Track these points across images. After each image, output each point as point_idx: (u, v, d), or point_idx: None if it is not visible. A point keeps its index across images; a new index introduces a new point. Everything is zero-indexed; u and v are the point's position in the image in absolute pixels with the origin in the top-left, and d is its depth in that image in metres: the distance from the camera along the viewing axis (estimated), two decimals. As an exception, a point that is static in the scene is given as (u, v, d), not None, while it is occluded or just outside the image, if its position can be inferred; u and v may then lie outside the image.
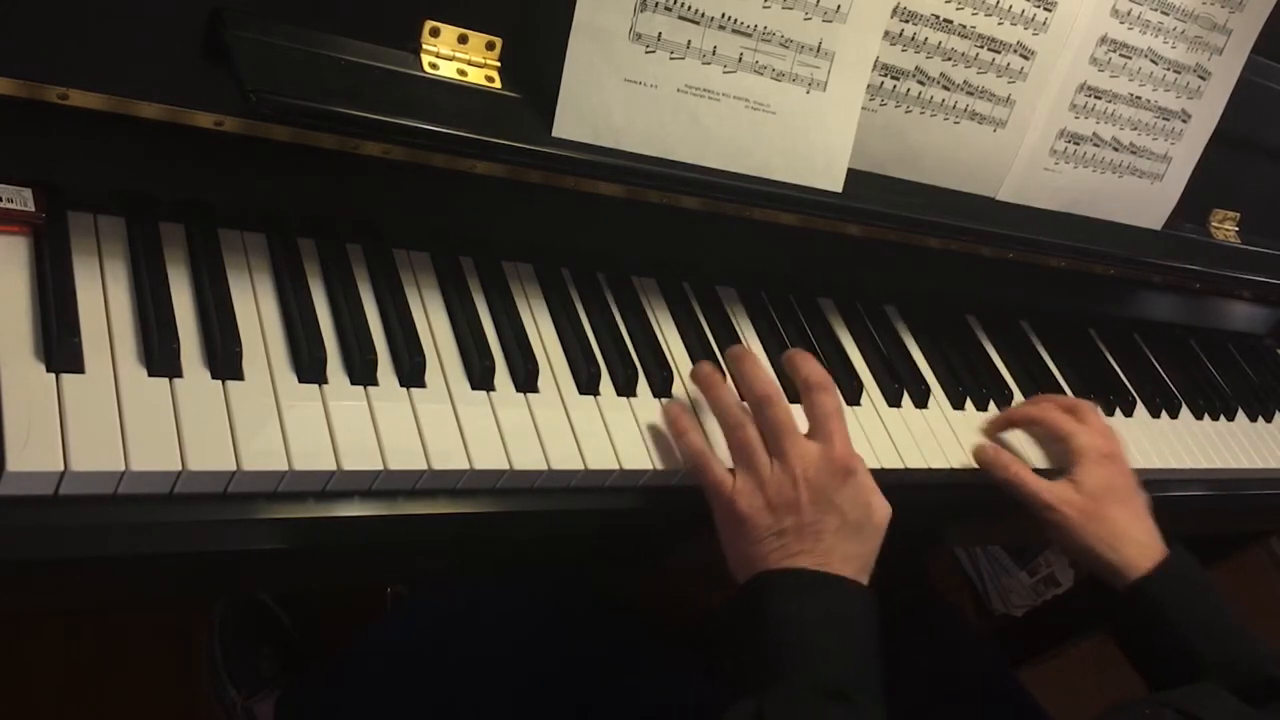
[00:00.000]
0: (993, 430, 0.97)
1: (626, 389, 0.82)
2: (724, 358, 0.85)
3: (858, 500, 0.74)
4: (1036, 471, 0.91)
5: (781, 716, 0.65)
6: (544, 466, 0.74)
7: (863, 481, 0.75)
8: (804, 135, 0.87)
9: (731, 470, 0.75)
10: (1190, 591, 0.87)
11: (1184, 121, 1.07)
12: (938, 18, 0.89)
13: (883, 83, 0.90)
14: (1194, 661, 0.84)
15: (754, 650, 0.70)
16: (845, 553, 0.73)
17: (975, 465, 0.93)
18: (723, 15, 0.80)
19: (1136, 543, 0.87)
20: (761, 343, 0.93)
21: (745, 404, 0.78)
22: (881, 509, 0.75)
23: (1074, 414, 0.94)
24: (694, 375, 0.82)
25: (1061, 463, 0.93)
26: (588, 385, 0.81)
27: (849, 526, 0.73)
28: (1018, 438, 0.97)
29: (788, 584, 0.71)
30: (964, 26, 0.90)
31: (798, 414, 0.78)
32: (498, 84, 0.77)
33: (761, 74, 0.83)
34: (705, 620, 0.77)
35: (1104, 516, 0.88)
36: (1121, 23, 0.97)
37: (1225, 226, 1.21)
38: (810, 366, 0.79)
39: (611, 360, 0.83)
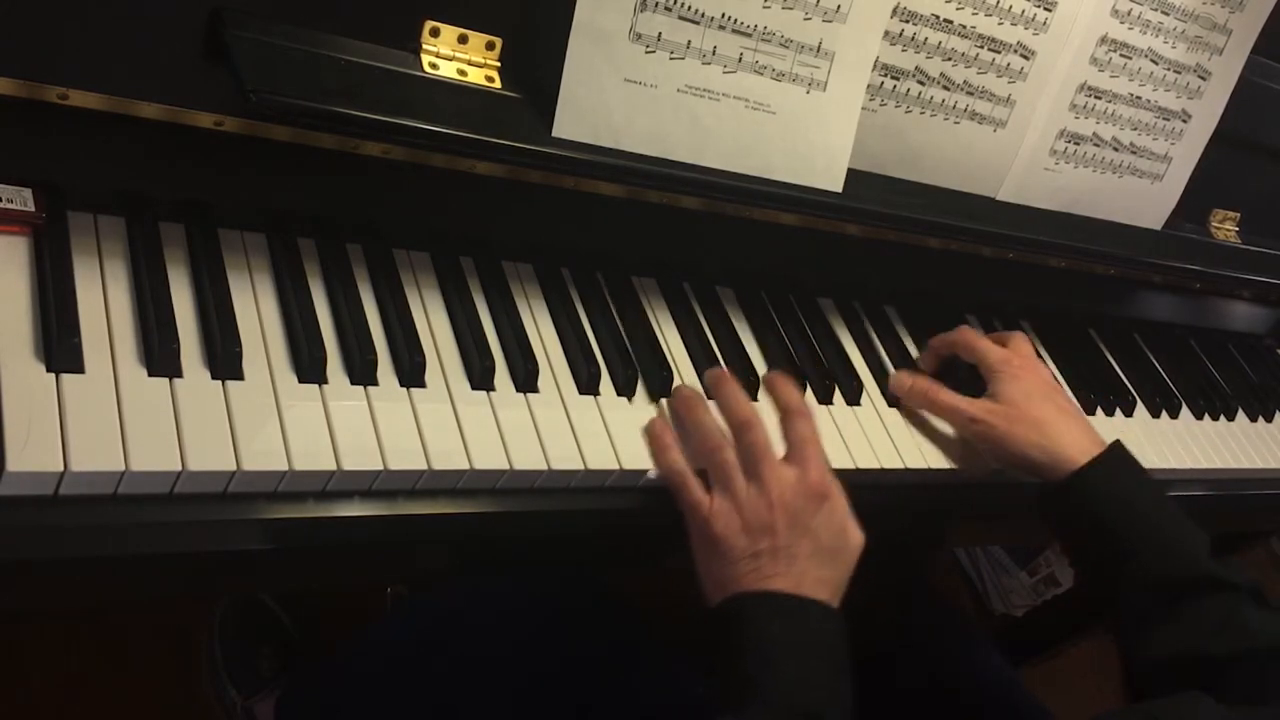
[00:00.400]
0: (926, 360, 0.99)
1: (626, 389, 0.82)
2: (704, 379, 0.86)
3: (832, 526, 0.75)
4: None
5: None
6: (544, 466, 0.74)
7: (837, 507, 0.76)
8: (804, 135, 0.87)
9: (709, 491, 0.76)
10: (1126, 483, 0.87)
11: (1184, 121, 1.07)
12: (938, 18, 0.89)
13: (883, 83, 0.90)
14: (1126, 553, 0.84)
15: (729, 670, 0.71)
16: (818, 577, 0.74)
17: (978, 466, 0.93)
18: (723, 15, 0.80)
19: (1068, 437, 0.88)
20: (761, 343, 0.93)
21: (724, 427, 0.79)
22: (855, 536, 0.77)
23: (1001, 342, 0.96)
24: (674, 396, 0.82)
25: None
26: (588, 385, 0.81)
27: (823, 551, 0.75)
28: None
29: (763, 607, 0.72)
30: (964, 26, 0.90)
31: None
32: (498, 84, 0.77)
33: (761, 74, 0.83)
34: (705, 620, 0.77)
35: (1029, 418, 0.89)
36: (1121, 23, 0.97)
37: (1225, 226, 1.21)
38: (789, 392, 0.81)
39: (611, 360, 0.83)
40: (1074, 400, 0.94)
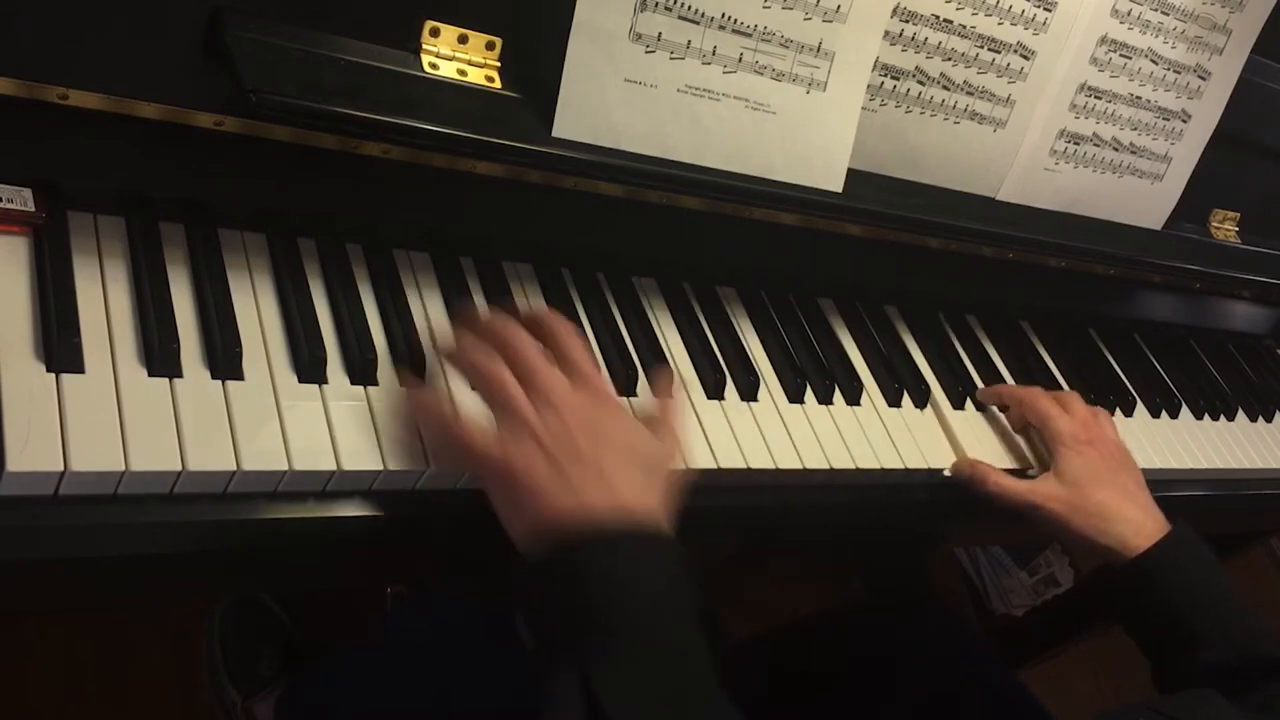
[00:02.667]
0: (985, 397, 0.99)
1: (627, 389, 0.82)
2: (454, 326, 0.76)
3: (625, 426, 0.69)
4: (1013, 472, 0.93)
5: (614, 683, 0.59)
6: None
7: (624, 409, 0.71)
8: (804, 135, 0.87)
9: (495, 434, 0.68)
10: (1187, 568, 0.87)
11: (1184, 121, 1.07)
12: (938, 18, 0.89)
13: (883, 83, 0.90)
14: (1191, 639, 0.84)
15: (561, 621, 0.63)
16: (631, 482, 0.67)
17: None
18: (723, 15, 0.80)
19: (1128, 521, 0.88)
20: (762, 343, 0.93)
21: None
22: (660, 436, 0.71)
23: (1059, 402, 0.96)
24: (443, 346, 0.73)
25: (1040, 453, 0.95)
26: (588, 385, 0.80)
27: (624, 452, 0.67)
28: (1008, 440, 0.98)
29: (588, 536, 0.63)
30: (964, 26, 0.90)
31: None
32: (498, 84, 0.77)
33: (761, 74, 0.83)
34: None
35: (1090, 501, 0.89)
36: (1121, 23, 0.97)
37: (1225, 226, 1.21)
38: (539, 309, 0.74)
39: (612, 360, 0.83)
40: (1138, 474, 0.93)
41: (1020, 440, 0.98)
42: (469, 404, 0.73)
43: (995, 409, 1.00)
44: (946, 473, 0.92)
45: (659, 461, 0.70)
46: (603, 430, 0.68)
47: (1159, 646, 0.88)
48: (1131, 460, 0.95)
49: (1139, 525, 0.88)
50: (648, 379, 0.83)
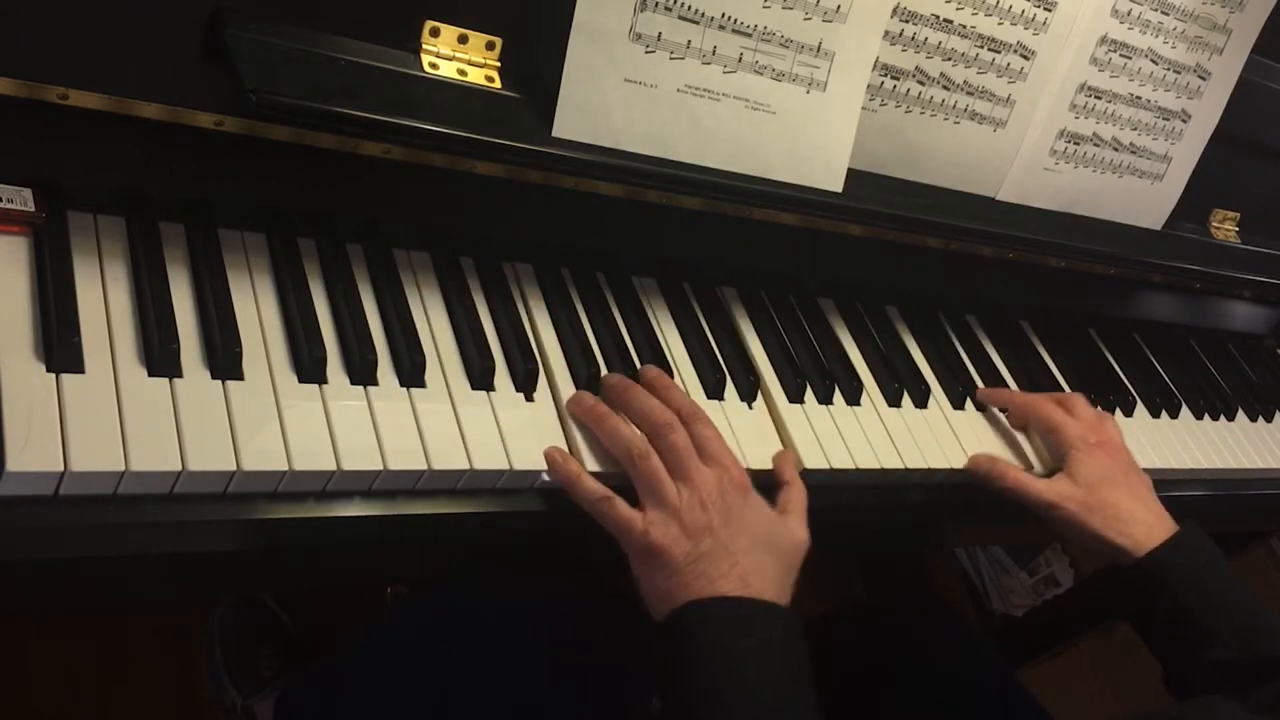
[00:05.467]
0: (986, 398, 1.00)
1: (626, 389, 0.82)
2: (602, 387, 0.80)
3: (761, 518, 0.76)
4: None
5: None
6: (544, 467, 0.74)
7: (760, 501, 0.77)
8: (804, 135, 0.87)
9: (637, 504, 0.74)
10: (1196, 566, 0.88)
11: (1184, 121, 1.07)
12: (938, 18, 0.89)
13: (883, 83, 0.90)
14: (1200, 637, 0.85)
15: (684, 685, 0.69)
16: (762, 573, 0.73)
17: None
18: (723, 15, 0.80)
19: (1141, 523, 0.89)
20: (762, 343, 0.93)
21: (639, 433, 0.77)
22: (798, 533, 0.77)
23: (1063, 406, 0.96)
24: (576, 406, 0.78)
25: (1052, 457, 0.95)
26: (587, 385, 0.80)
27: (759, 545, 0.74)
28: (1008, 440, 0.98)
29: (718, 614, 0.71)
30: (964, 26, 0.90)
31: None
32: (498, 84, 0.77)
33: (761, 74, 0.83)
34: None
35: (1104, 503, 0.90)
36: (1121, 23, 0.97)
37: (1225, 226, 1.21)
38: (680, 399, 0.79)
39: (611, 360, 0.83)
40: (1145, 478, 0.95)
41: (1019, 440, 0.98)
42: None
43: (995, 409, 1.00)
44: (962, 467, 0.92)
45: (793, 555, 0.77)
46: (738, 518, 0.74)
47: (1169, 646, 0.89)
48: (1135, 463, 0.96)
49: (1150, 527, 0.89)
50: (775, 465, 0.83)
